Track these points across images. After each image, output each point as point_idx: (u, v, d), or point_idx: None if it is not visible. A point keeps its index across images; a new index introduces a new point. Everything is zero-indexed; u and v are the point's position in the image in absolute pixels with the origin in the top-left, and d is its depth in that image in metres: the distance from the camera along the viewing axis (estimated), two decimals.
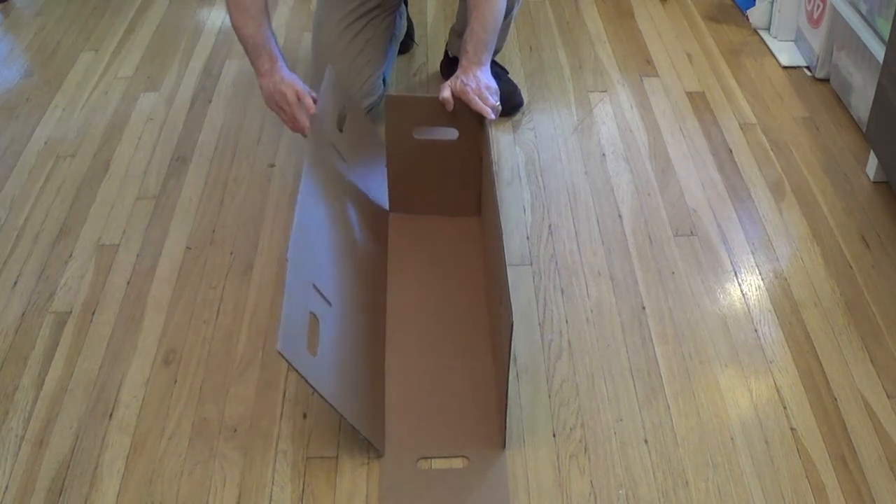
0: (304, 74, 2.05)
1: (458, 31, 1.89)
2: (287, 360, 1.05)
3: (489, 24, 1.50)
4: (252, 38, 1.51)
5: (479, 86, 1.45)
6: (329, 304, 1.23)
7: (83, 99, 2.02)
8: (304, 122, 1.48)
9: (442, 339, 1.38)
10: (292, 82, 1.50)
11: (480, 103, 1.44)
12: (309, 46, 2.14)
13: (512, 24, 1.88)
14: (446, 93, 1.46)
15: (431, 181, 1.56)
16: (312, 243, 1.26)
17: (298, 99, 1.48)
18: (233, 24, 1.54)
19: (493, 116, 1.45)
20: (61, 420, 1.29)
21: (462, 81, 1.46)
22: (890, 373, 1.32)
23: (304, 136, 1.50)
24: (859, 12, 1.76)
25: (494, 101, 1.47)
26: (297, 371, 1.07)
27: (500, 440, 1.23)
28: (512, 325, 1.09)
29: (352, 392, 1.20)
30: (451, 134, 1.51)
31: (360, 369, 1.27)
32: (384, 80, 1.80)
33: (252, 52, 1.53)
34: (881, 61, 1.58)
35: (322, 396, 1.12)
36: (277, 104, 1.52)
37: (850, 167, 1.72)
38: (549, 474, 1.19)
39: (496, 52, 1.84)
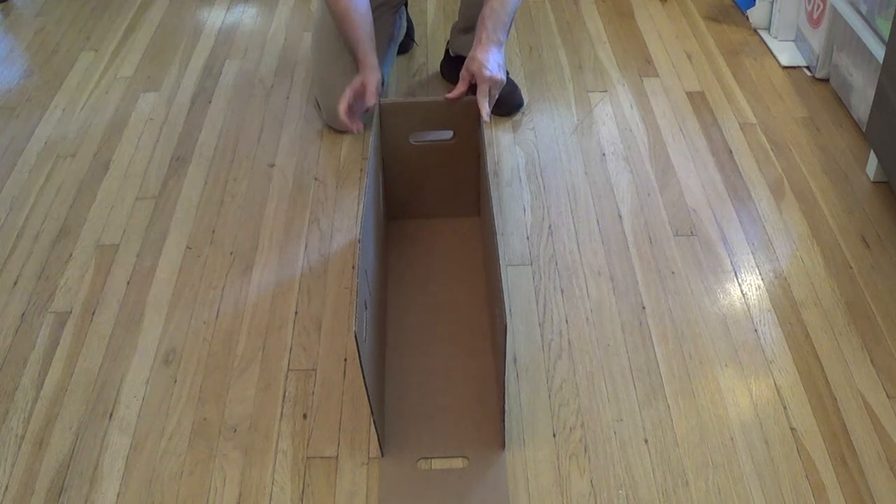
0: (305, 75, 2.05)
1: (461, 29, 1.89)
2: (357, 346, 1.04)
3: (508, 3, 1.50)
4: (346, 38, 1.63)
5: (493, 74, 1.44)
6: (370, 293, 1.23)
7: (83, 99, 2.02)
8: (342, 115, 1.52)
9: (442, 339, 1.38)
10: (358, 79, 1.55)
11: (484, 99, 1.43)
12: (309, 46, 2.14)
13: (512, 26, 1.87)
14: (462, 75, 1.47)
15: (429, 185, 1.56)
16: (369, 231, 1.27)
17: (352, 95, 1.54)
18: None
19: (487, 119, 1.43)
20: (61, 420, 1.29)
21: (479, 62, 1.45)
22: (890, 373, 1.32)
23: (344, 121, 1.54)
24: (859, 12, 1.76)
25: (494, 97, 1.47)
26: (359, 358, 1.06)
27: (500, 440, 1.23)
28: (506, 327, 1.09)
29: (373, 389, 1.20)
30: (447, 135, 1.50)
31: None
32: (383, 81, 1.80)
33: (350, 50, 1.63)
34: (881, 61, 1.58)
35: (367, 391, 1.11)
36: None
37: (850, 167, 1.72)
38: (549, 474, 1.19)
39: None
